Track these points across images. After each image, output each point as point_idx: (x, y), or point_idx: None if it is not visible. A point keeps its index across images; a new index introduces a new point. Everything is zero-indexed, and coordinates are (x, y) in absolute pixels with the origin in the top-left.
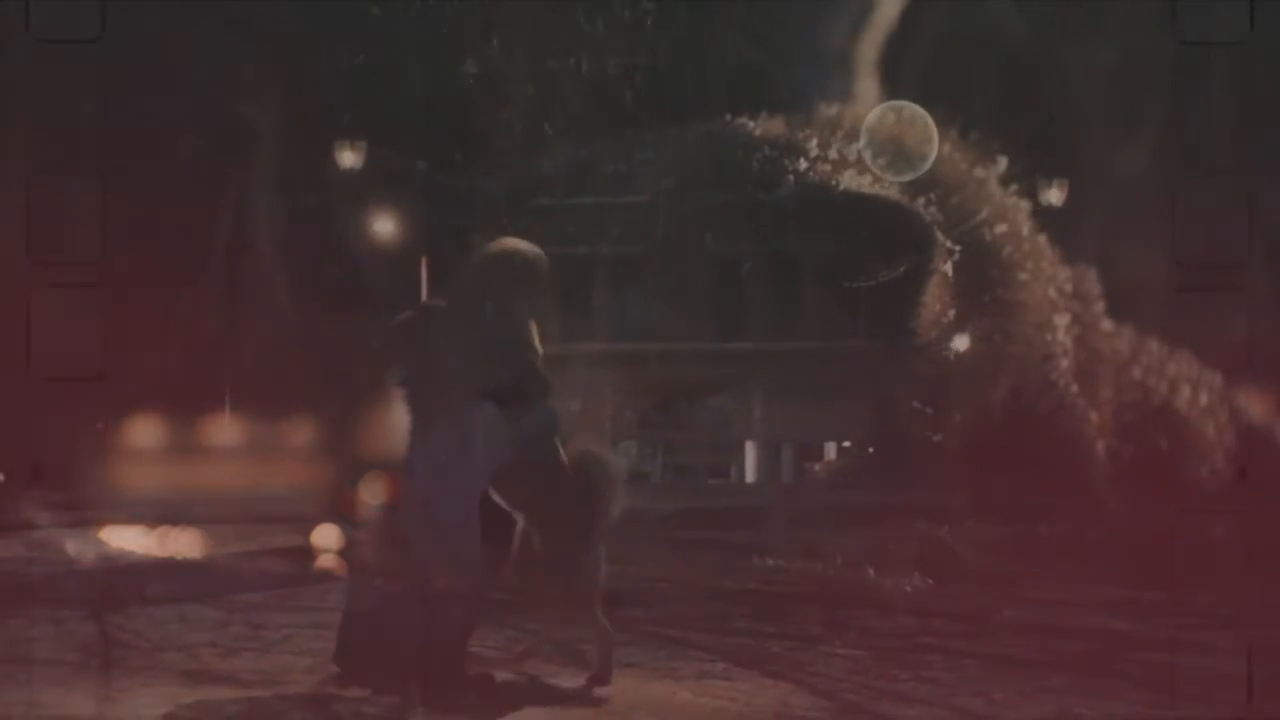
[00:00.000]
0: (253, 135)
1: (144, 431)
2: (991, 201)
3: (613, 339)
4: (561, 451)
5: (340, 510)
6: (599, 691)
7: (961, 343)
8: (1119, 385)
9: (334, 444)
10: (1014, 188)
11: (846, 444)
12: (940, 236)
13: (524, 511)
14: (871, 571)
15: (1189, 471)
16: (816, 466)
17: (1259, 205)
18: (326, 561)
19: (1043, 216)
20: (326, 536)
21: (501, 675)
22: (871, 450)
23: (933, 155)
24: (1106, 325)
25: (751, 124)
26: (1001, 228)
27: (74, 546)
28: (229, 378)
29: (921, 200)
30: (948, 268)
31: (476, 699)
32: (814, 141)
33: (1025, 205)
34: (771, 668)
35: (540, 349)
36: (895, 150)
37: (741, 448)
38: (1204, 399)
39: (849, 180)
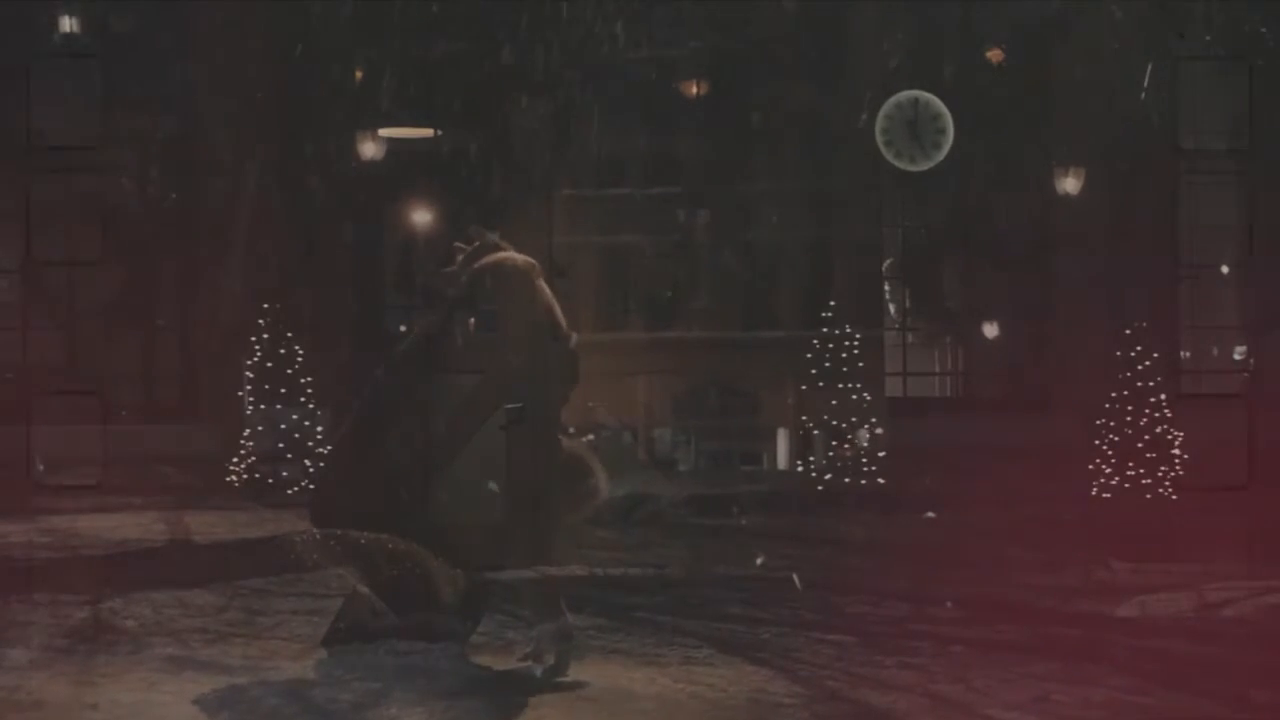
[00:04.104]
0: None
1: None
2: None
3: (646, 327)
4: (547, 440)
5: None
6: (578, 677)
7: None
8: None
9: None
10: None
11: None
12: None
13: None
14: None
15: None
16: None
17: None
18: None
19: None
20: None
21: (483, 660)
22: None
23: (947, 145)
24: None
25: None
26: None
27: (86, 532)
28: None
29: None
30: None
31: None
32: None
33: None
34: (756, 654)
35: (538, 350)
36: (910, 140)
37: (773, 434)
38: None
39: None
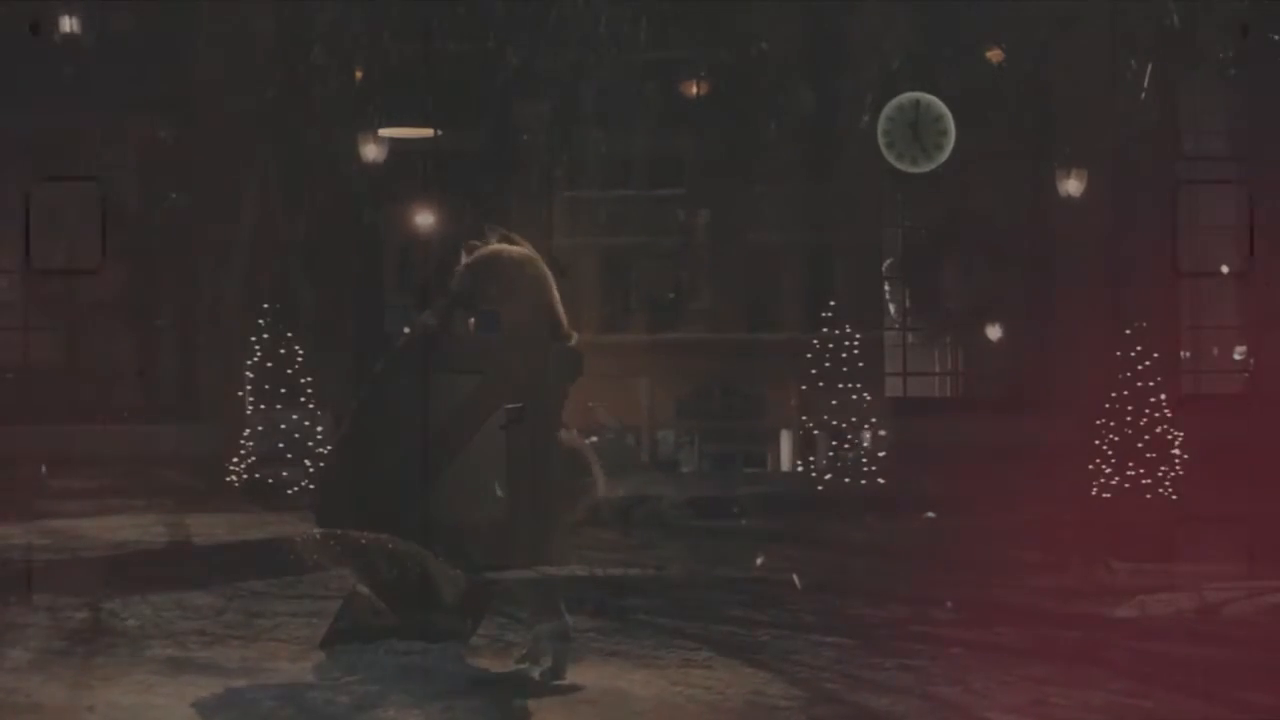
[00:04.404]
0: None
1: None
2: None
3: (647, 329)
4: (547, 439)
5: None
6: (576, 679)
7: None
8: None
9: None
10: None
11: (884, 433)
12: None
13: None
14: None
15: None
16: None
17: None
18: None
19: None
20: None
21: (481, 662)
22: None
23: (949, 147)
24: None
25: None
26: None
27: (86, 533)
28: None
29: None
30: None
31: None
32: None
33: None
34: (754, 656)
35: (537, 345)
36: (911, 141)
37: (775, 435)
38: None
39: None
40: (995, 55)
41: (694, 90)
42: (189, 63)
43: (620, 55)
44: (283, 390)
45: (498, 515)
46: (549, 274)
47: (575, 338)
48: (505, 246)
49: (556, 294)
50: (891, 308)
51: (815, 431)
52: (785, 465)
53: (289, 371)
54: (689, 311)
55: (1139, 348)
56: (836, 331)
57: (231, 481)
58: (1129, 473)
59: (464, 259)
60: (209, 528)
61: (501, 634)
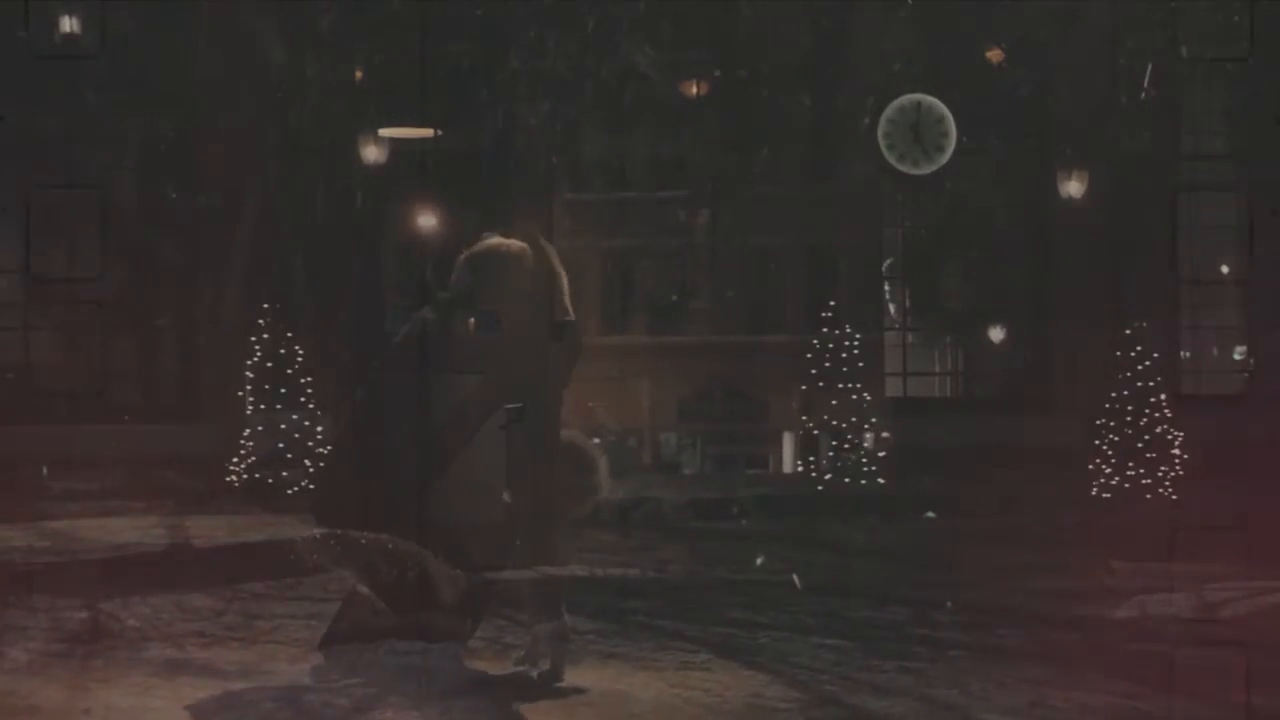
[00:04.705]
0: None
1: None
2: None
3: (649, 331)
4: (548, 438)
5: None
6: (575, 681)
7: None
8: None
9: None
10: None
11: (885, 434)
12: None
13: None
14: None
15: None
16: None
17: None
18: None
19: None
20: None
21: (480, 664)
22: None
23: (950, 148)
24: None
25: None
26: None
27: (86, 535)
28: None
29: None
30: None
31: None
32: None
33: None
34: (753, 658)
35: (537, 341)
36: (912, 143)
37: (777, 437)
38: None
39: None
40: (995, 55)
41: (694, 90)
42: (189, 63)
43: (621, 55)
44: (283, 390)
45: (498, 515)
46: (556, 268)
47: (572, 315)
48: (504, 240)
49: (564, 287)
50: (891, 308)
51: (816, 432)
52: (787, 466)
53: (289, 371)
54: (690, 313)
55: (1139, 348)
56: (836, 332)
57: (232, 482)
58: (1129, 473)
59: (464, 253)
60: (209, 529)
61: (501, 635)
